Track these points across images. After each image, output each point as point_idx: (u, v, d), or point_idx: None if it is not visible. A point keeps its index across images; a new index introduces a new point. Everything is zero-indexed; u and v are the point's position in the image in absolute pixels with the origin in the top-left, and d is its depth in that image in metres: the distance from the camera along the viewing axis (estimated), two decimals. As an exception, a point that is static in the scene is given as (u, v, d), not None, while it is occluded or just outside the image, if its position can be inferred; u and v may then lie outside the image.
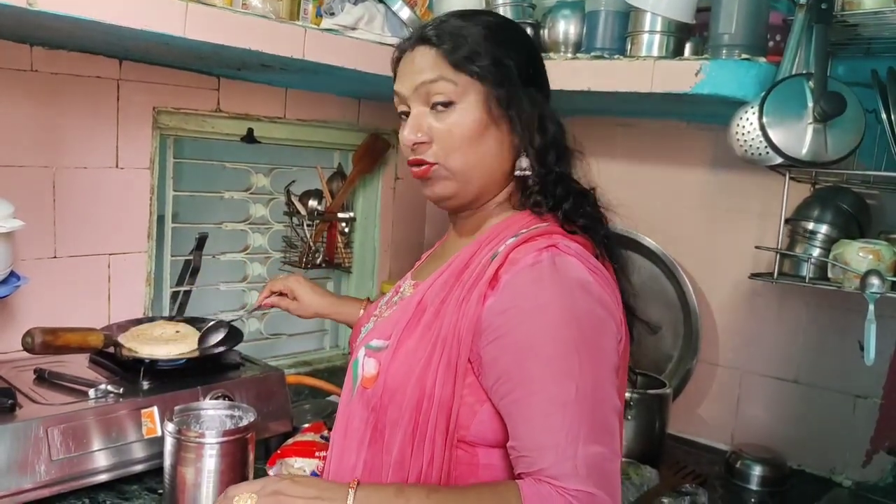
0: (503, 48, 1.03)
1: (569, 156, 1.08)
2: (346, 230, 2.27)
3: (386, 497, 0.91)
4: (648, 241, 1.98)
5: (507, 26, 1.09)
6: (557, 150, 1.06)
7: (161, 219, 1.89)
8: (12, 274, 1.41)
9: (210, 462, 1.24)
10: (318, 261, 2.20)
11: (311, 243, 2.16)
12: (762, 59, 1.49)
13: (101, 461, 1.34)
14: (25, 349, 1.36)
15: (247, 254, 2.14)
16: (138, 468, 1.38)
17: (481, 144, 1.02)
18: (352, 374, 1.08)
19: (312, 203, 2.18)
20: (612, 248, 1.07)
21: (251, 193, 2.11)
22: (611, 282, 1.01)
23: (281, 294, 1.52)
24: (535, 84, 1.07)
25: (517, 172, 1.05)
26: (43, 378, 1.46)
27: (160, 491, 1.35)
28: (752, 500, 1.68)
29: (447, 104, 1.01)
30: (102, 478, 1.34)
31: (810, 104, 1.42)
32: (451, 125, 1.02)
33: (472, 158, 1.03)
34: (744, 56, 1.48)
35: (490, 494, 0.91)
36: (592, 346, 0.92)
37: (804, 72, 1.46)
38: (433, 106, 1.02)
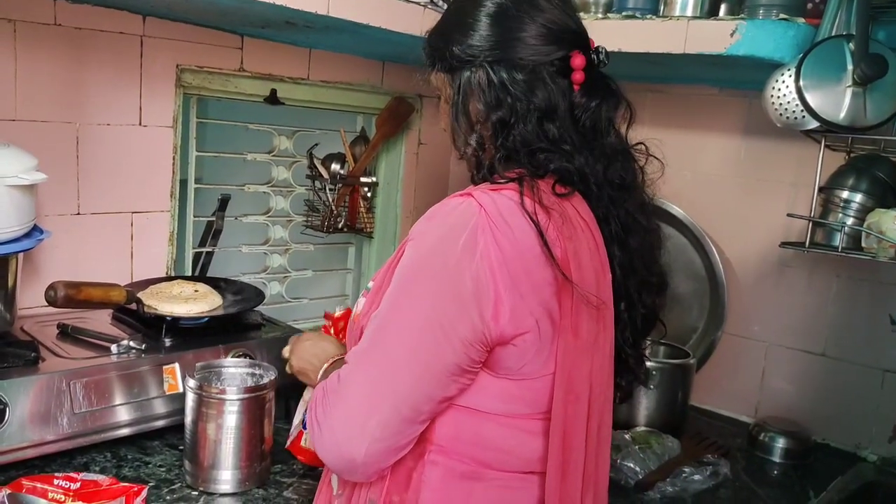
0: (440, 35, 1.05)
1: (509, 124, 0.98)
2: (369, 195, 2.25)
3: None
4: (676, 210, 1.94)
5: (452, 10, 1.07)
6: (495, 122, 0.99)
7: (184, 179, 1.88)
8: (35, 228, 1.40)
9: (231, 418, 1.25)
10: (340, 225, 2.19)
11: (334, 207, 2.15)
12: (801, 20, 1.44)
13: (122, 416, 1.35)
14: (48, 302, 1.36)
15: (269, 216, 2.13)
16: (159, 423, 1.39)
17: (447, 127, 1.08)
18: None
19: (335, 167, 2.16)
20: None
21: (274, 156, 2.10)
22: (523, 241, 0.90)
23: None
24: (483, 59, 1.00)
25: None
26: (66, 333, 1.47)
27: (181, 447, 1.36)
28: (775, 472, 1.66)
29: (439, 97, 1.10)
30: (124, 432, 1.35)
31: (850, 67, 1.38)
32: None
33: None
34: (782, 16, 1.43)
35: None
36: (419, 287, 0.92)
37: (844, 33, 1.41)
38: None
